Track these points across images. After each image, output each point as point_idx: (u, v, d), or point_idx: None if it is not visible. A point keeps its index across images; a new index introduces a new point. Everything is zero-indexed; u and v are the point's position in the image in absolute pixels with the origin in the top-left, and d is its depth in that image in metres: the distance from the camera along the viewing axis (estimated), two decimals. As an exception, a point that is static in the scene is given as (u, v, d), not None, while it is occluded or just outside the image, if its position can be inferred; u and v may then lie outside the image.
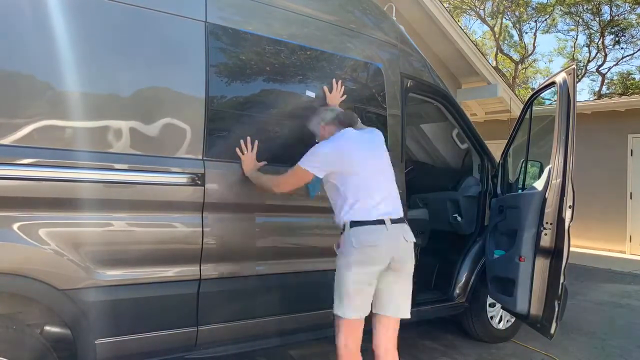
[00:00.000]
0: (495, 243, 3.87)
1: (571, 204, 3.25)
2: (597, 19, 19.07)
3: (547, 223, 3.30)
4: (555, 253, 3.30)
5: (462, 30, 9.16)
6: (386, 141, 3.43)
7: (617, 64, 20.67)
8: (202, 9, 2.66)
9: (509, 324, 4.32)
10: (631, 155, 9.58)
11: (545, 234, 3.31)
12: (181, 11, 2.60)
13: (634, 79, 20.37)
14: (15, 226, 2.14)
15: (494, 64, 18.64)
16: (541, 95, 4.03)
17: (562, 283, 3.25)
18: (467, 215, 4.40)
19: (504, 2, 20.28)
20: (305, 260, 3.00)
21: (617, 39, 19.19)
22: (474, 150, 4.44)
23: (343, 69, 3.29)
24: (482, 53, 10.07)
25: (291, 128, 3.01)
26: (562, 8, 19.41)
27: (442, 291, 4.11)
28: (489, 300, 4.10)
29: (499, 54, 21.17)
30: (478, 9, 21.32)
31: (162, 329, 2.54)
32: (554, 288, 3.29)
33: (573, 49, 21.54)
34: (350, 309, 2.42)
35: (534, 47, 22.12)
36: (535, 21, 20.93)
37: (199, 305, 2.62)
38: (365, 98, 3.46)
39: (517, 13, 20.77)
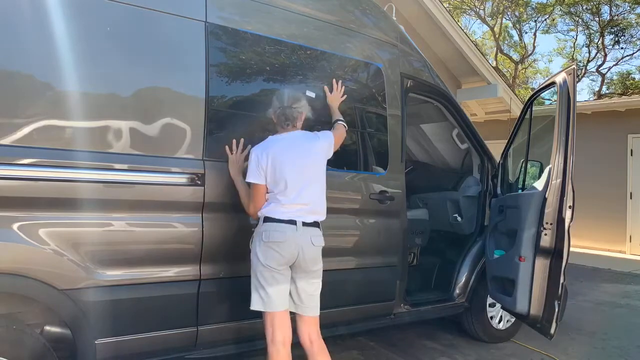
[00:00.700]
0: (495, 243, 3.87)
1: (571, 204, 3.25)
2: (597, 19, 19.07)
3: (547, 223, 3.30)
4: (555, 253, 3.30)
5: (462, 30, 9.16)
6: (386, 141, 3.46)
7: (617, 64, 20.66)
8: (202, 8, 2.66)
9: (509, 324, 4.32)
10: (631, 155, 9.59)
11: (545, 234, 3.31)
12: (181, 11, 2.60)
13: (634, 79, 20.36)
14: (15, 226, 2.14)
15: (494, 64, 18.63)
16: (541, 95, 4.03)
17: (562, 283, 3.25)
18: (467, 215, 4.40)
19: (504, 2, 20.27)
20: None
21: (616, 39, 19.18)
22: (474, 150, 4.44)
23: (343, 69, 3.29)
24: (482, 53, 10.07)
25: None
26: (561, 8, 19.40)
27: (442, 291, 4.11)
28: (489, 300, 4.10)
29: (499, 54, 21.17)
30: (478, 9, 21.32)
31: (162, 329, 2.54)
32: (554, 288, 3.29)
33: (573, 49, 21.54)
34: (262, 302, 2.54)
35: (534, 47, 22.13)
36: (535, 21, 20.92)
37: (199, 305, 2.63)
38: (365, 98, 3.46)
39: (517, 13, 20.77)
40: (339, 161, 3.23)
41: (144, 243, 2.47)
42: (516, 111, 8.29)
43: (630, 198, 9.56)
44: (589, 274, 7.61)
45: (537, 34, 21.42)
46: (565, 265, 3.26)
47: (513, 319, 4.28)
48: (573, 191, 3.25)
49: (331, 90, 3.11)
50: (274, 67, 2.97)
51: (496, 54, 20.92)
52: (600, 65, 20.41)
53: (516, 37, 22.82)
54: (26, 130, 2.18)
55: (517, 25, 21.74)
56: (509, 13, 20.99)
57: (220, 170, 2.67)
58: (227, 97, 2.80)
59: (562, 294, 3.28)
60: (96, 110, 2.36)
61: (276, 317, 2.55)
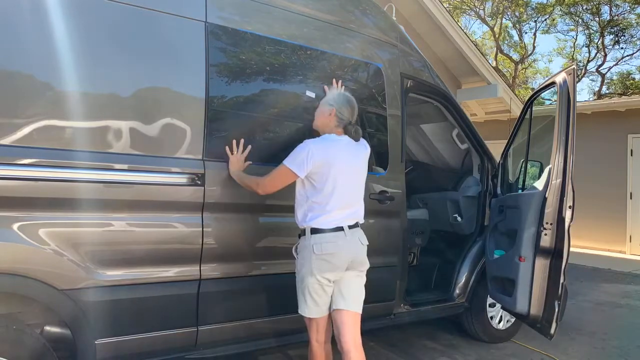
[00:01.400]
0: (495, 243, 3.87)
1: (571, 204, 3.25)
2: (597, 19, 19.07)
3: (547, 223, 3.30)
4: (555, 253, 3.30)
5: (462, 30, 9.16)
6: (386, 141, 3.46)
7: (617, 64, 20.69)
8: (202, 9, 2.66)
9: (509, 324, 4.32)
10: (631, 155, 9.59)
11: (545, 234, 3.31)
12: (181, 11, 2.60)
13: (634, 79, 20.37)
14: (15, 226, 2.14)
15: (494, 64, 18.64)
16: (541, 95, 4.03)
17: (562, 283, 3.25)
18: (467, 215, 4.40)
19: (504, 2, 20.27)
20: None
21: (616, 39, 19.19)
22: (474, 150, 4.43)
23: (343, 69, 3.29)
24: (482, 53, 10.07)
25: (291, 128, 3.01)
26: (561, 8, 19.40)
27: (442, 291, 4.11)
28: (489, 300, 4.10)
29: (499, 54, 21.17)
30: (478, 9, 21.33)
31: (162, 329, 2.54)
32: (554, 288, 3.29)
33: (573, 49, 21.55)
34: (313, 310, 2.60)
35: (534, 47, 22.14)
36: (535, 21, 20.93)
37: (199, 305, 2.63)
38: (365, 98, 3.46)
39: (517, 13, 20.77)
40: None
41: (144, 243, 2.47)
42: (516, 111, 8.30)
43: (630, 198, 9.56)
44: (589, 274, 7.61)
45: (537, 34, 21.46)
46: (565, 265, 3.26)
47: (513, 319, 4.28)
48: (573, 191, 3.25)
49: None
50: (274, 67, 2.97)
51: (496, 54, 20.92)
52: (600, 65, 20.43)
53: (516, 37, 22.84)
54: (26, 130, 2.18)
55: (517, 25, 21.75)
56: (509, 13, 21.00)
57: (220, 170, 2.67)
58: (227, 97, 2.80)
59: (562, 294, 3.28)
60: (96, 110, 2.36)
61: (321, 321, 2.64)
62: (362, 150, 2.75)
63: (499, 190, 4.16)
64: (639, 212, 9.47)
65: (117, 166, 2.39)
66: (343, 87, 3.15)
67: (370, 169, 3.38)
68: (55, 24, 2.25)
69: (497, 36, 21.00)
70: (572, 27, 20.57)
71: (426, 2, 7.96)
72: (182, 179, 2.56)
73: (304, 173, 2.53)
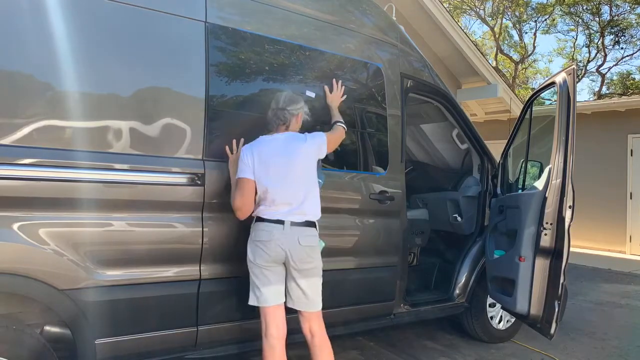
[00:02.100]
0: (495, 243, 3.87)
1: (571, 204, 3.25)
2: (597, 19, 19.08)
3: (547, 223, 3.30)
4: (555, 253, 3.30)
5: (462, 30, 9.16)
6: (386, 141, 3.45)
7: (617, 64, 20.70)
8: (202, 9, 2.66)
9: (509, 324, 4.32)
10: (631, 155, 9.59)
11: (545, 234, 3.31)
12: (181, 11, 2.60)
13: (634, 79, 20.37)
14: (15, 226, 2.14)
15: (494, 64, 18.64)
16: (541, 95, 4.03)
17: (562, 283, 3.25)
18: (467, 215, 4.40)
19: (504, 2, 20.28)
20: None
21: (616, 39, 19.20)
22: (473, 150, 4.43)
23: (343, 69, 3.29)
24: (482, 53, 10.07)
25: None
26: (561, 8, 19.41)
27: (442, 291, 4.11)
28: (489, 300, 4.10)
29: (499, 54, 21.17)
30: (478, 9, 21.33)
31: (162, 329, 2.54)
32: (554, 288, 3.29)
33: (573, 49, 21.55)
34: (256, 297, 2.64)
35: (534, 47, 22.14)
36: (535, 21, 20.94)
37: (198, 305, 2.63)
38: (365, 98, 3.46)
39: (517, 13, 20.78)
40: (339, 161, 3.24)
41: (144, 243, 2.47)
42: (516, 111, 8.29)
43: (630, 198, 9.56)
44: (589, 274, 7.61)
45: (537, 34, 21.47)
46: (565, 265, 3.26)
47: (513, 319, 4.28)
48: (573, 191, 3.25)
49: (331, 90, 3.11)
50: (273, 67, 2.97)
51: (496, 54, 20.92)
52: (600, 66, 20.44)
53: (516, 37, 22.85)
54: (26, 130, 2.18)
55: (517, 25, 21.76)
56: (509, 13, 21.00)
57: (220, 170, 2.67)
58: (227, 97, 2.80)
59: (562, 294, 3.28)
60: (96, 110, 2.36)
61: (269, 312, 2.62)
62: (300, 142, 2.68)
63: (499, 190, 4.16)
64: (639, 212, 9.47)
65: (117, 166, 2.39)
66: (342, 87, 3.15)
67: (370, 169, 3.40)
68: (55, 24, 2.25)
69: (497, 36, 21.00)
70: (572, 27, 20.59)
71: (426, 2, 7.96)
72: (182, 179, 2.56)
73: (251, 174, 2.60)
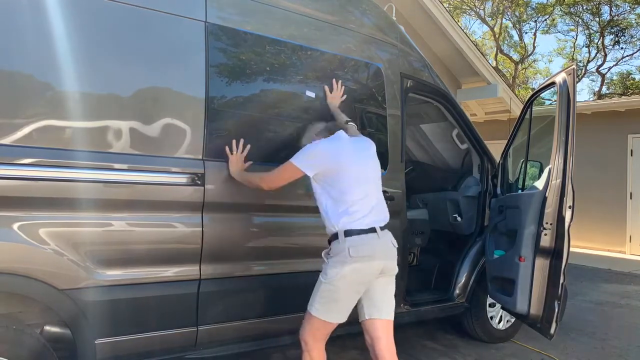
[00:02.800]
0: (495, 243, 3.87)
1: (571, 204, 3.25)
2: (597, 19, 19.08)
3: (547, 223, 3.30)
4: (555, 253, 3.30)
5: (462, 30, 9.16)
6: (386, 141, 3.45)
7: (617, 64, 20.71)
8: (202, 8, 2.66)
9: (509, 324, 4.32)
10: (631, 155, 9.59)
11: (545, 234, 3.31)
12: (181, 11, 2.60)
13: (634, 79, 20.38)
14: (15, 226, 2.14)
15: (494, 64, 18.64)
16: (541, 95, 4.03)
17: (562, 283, 3.25)
18: (467, 215, 4.40)
19: (504, 2, 20.28)
20: (305, 260, 2.99)
21: (616, 39, 19.20)
22: (473, 150, 4.43)
23: (343, 69, 3.29)
24: (482, 53, 10.07)
25: (291, 128, 3.01)
26: (561, 8, 19.41)
27: (442, 291, 4.11)
28: (489, 300, 4.10)
29: (499, 54, 21.17)
30: (478, 9, 21.33)
31: (162, 329, 2.54)
32: (553, 288, 3.29)
33: (573, 49, 21.55)
34: (337, 315, 2.46)
35: (534, 47, 22.15)
36: (535, 21, 20.94)
37: (198, 305, 2.62)
38: (365, 98, 3.46)
39: (517, 13, 20.78)
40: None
41: (144, 243, 2.47)
42: (516, 111, 8.30)
43: (630, 198, 9.56)
44: (589, 274, 7.61)
45: (537, 34, 21.47)
46: (565, 265, 3.26)
47: (513, 319, 4.28)
48: (573, 191, 3.25)
49: (331, 90, 3.11)
50: (273, 67, 2.97)
51: (496, 54, 20.92)
52: (600, 66, 20.45)
53: (516, 37, 22.85)
54: (26, 130, 2.17)
55: (517, 26, 21.76)
56: (509, 13, 21.00)
57: (220, 170, 2.67)
58: (227, 97, 2.80)
59: (562, 294, 3.28)
60: (96, 110, 2.36)
61: (322, 328, 2.49)
62: (367, 144, 2.73)
63: (498, 190, 4.16)
64: (639, 212, 9.47)
65: (117, 166, 2.39)
66: (342, 87, 3.15)
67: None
68: (55, 24, 2.25)
69: (497, 36, 21.00)
70: (572, 27, 20.59)
71: (426, 2, 7.96)
72: (182, 179, 2.55)
73: (313, 171, 2.50)
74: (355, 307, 2.52)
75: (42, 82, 2.23)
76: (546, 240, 3.31)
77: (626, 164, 9.62)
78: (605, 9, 18.76)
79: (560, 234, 3.26)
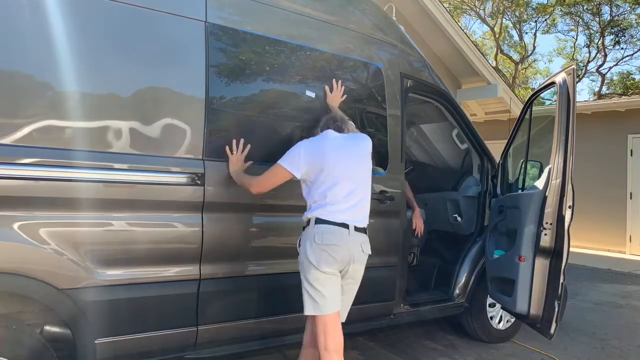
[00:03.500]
0: (495, 243, 3.87)
1: (571, 204, 3.25)
2: (597, 19, 19.08)
3: (547, 223, 3.30)
4: (555, 253, 3.30)
5: (462, 30, 9.16)
6: (386, 141, 3.45)
7: (617, 64, 20.71)
8: (202, 8, 2.66)
9: (509, 324, 4.32)
10: (631, 155, 9.59)
11: (545, 234, 3.31)
12: (181, 11, 2.60)
13: (634, 79, 20.37)
14: (15, 226, 2.14)
15: (494, 64, 18.65)
16: (541, 95, 4.02)
17: (562, 283, 3.25)
18: (467, 215, 4.40)
19: (504, 2, 20.28)
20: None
21: (617, 39, 19.20)
22: (473, 150, 4.43)
23: (343, 69, 3.29)
24: (482, 53, 10.07)
25: (291, 127, 3.01)
26: (562, 8, 19.41)
27: (442, 291, 4.11)
28: (489, 300, 4.10)
29: (499, 54, 21.17)
30: (478, 9, 21.33)
31: (162, 328, 2.54)
32: (553, 288, 3.29)
33: (573, 49, 21.56)
34: (317, 305, 2.48)
35: (534, 47, 22.16)
36: (535, 21, 20.94)
37: (198, 305, 2.63)
38: (365, 98, 3.46)
39: (517, 13, 20.78)
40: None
41: (144, 243, 2.47)
42: (516, 111, 8.30)
43: (630, 198, 9.56)
44: (588, 274, 7.61)
45: (537, 34, 21.48)
46: (565, 265, 3.26)
47: (513, 319, 4.28)
48: (573, 191, 3.25)
49: (331, 90, 3.11)
50: (273, 67, 2.97)
51: (496, 54, 20.93)
52: (600, 66, 20.45)
53: (516, 37, 22.85)
54: (26, 129, 2.18)
55: (517, 25, 21.76)
56: (509, 13, 21.00)
57: (220, 170, 2.67)
58: (227, 97, 2.80)
59: (562, 294, 3.28)
60: (96, 110, 2.36)
61: (328, 322, 2.48)
62: (360, 141, 2.72)
63: (498, 190, 4.16)
64: (639, 212, 9.47)
65: (117, 166, 2.39)
66: (342, 87, 3.15)
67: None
68: (55, 24, 2.25)
69: (497, 36, 21.00)
70: (573, 27, 20.60)
71: (426, 2, 7.96)
72: (182, 179, 2.56)
73: (299, 172, 2.55)
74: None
75: (42, 82, 2.24)
76: (546, 240, 3.31)
77: (626, 164, 9.62)
78: (606, 9, 18.77)
79: (560, 234, 3.26)
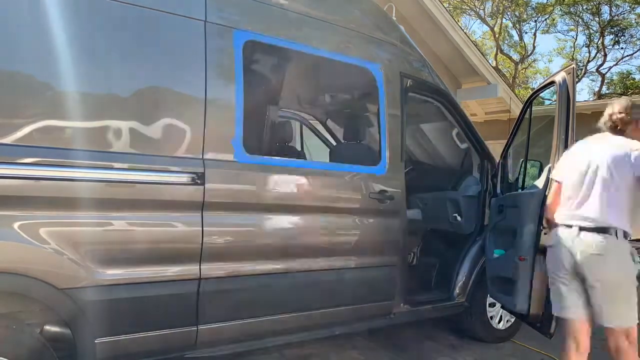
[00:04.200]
0: (494, 243, 3.87)
1: (571, 204, 3.24)
2: (597, 19, 19.09)
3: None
4: (555, 252, 3.29)
5: (462, 30, 9.17)
6: (386, 141, 3.45)
7: (616, 64, 20.74)
8: (202, 8, 2.66)
9: (509, 323, 4.32)
10: (631, 155, 9.55)
11: (545, 233, 3.30)
12: (181, 11, 2.60)
13: (634, 79, 20.38)
14: (15, 225, 2.14)
15: (494, 64, 18.64)
16: (541, 94, 4.02)
17: (562, 283, 3.24)
18: (466, 215, 4.40)
19: (503, 2, 20.29)
20: (304, 259, 3.00)
21: (616, 39, 19.22)
22: (473, 150, 4.43)
23: (343, 68, 3.29)
24: (482, 53, 10.08)
25: (290, 127, 3.02)
26: (561, 8, 19.43)
27: (441, 291, 4.11)
28: (489, 299, 4.10)
29: (499, 54, 21.18)
30: (478, 9, 21.34)
31: (162, 328, 2.54)
32: (553, 288, 3.28)
33: (573, 49, 21.57)
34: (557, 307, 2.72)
35: (534, 47, 22.19)
36: (535, 21, 20.97)
37: (198, 304, 2.63)
38: (365, 97, 3.46)
39: (517, 13, 20.79)
40: (339, 160, 3.24)
41: (144, 242, 2.47)
42: (516, 111, 8.29)
43: (630, 198, 9.53)
44: (589, 274, 7.58)
45: (537, 34, 21.52)
46: (565, 265, 3.25)
47: (513, 319, 4.28)
48: (573, 191, 3.24)
49: None
50: (273, 66, 2.97)
51: (496, 54, 20.93)
52: (600, 65, 20.47)
53: (516, 37, 22.87)
54: (26, 129, 2.18)
55: (517, 25, 21.78)
56: (509, 13, 21.01)
57: (220, 169, 2.67)
58: (226, 97, 2.80)
59: (562, 294, 3.27)
60: (96, 109, 2.36)
61: (569, 325, 2.68)
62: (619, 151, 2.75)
63: (498, 190, 4.16)
64: (638, 213, 9.43)
65: (117, 165, 2.39)
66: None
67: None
68: (56, 24, 2.25)
69: (497, 36, 21.01)
70: (572, 27, 20.62)
71: (426, 2, 7.96)
72: (182, 178, 2.56)
73: (561, 177, 2.77)
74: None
75: (42, 81, 2.24)
76: (546, 240, 3.31)
77: (626, 164, 9.58)
78: (605, 8, 18.79)
79: (560, 234, 3.25)
